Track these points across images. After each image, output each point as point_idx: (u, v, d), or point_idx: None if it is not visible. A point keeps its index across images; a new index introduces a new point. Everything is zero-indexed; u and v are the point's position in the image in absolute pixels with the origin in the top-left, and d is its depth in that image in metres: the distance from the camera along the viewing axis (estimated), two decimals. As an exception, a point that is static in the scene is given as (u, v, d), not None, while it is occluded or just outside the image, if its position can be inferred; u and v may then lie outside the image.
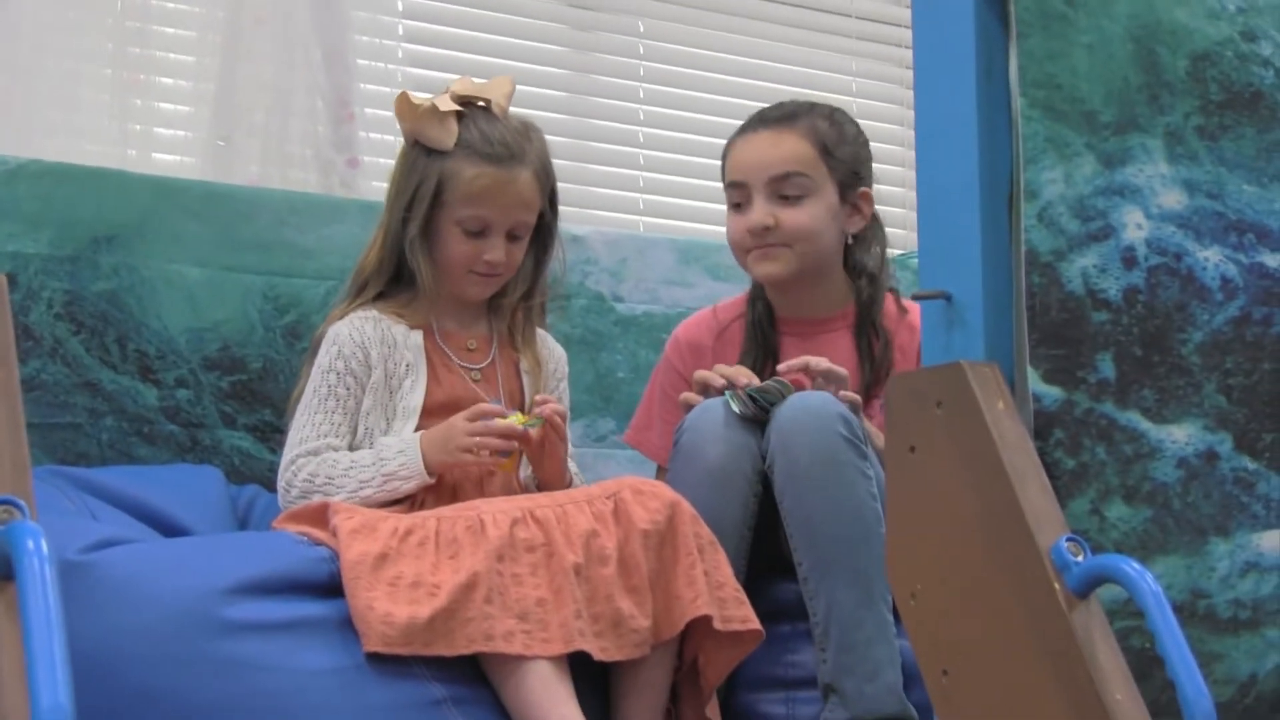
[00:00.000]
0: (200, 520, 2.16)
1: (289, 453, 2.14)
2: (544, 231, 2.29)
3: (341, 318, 2.22)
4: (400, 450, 2.08)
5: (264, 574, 1.79)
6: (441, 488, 2.11)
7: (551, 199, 2.28)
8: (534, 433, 2.10)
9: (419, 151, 2.21)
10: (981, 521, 1.42)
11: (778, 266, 2.37)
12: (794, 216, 2.34)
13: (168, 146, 3.01)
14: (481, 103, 2.22)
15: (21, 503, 1.16)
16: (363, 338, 2.18)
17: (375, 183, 2.45)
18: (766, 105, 2.45)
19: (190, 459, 2.41)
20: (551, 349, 2.35)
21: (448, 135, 2.18)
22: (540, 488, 2.16)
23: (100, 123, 2.95)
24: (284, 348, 2.48)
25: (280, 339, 2.49)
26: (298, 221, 2.56)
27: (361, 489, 2.06)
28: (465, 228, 2.19)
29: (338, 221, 2.58)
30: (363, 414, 2.16)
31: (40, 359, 2.32)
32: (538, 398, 2.14)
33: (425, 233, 2.21)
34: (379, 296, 2.25)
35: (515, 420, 2.08)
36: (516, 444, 2.11)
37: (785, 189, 2.35)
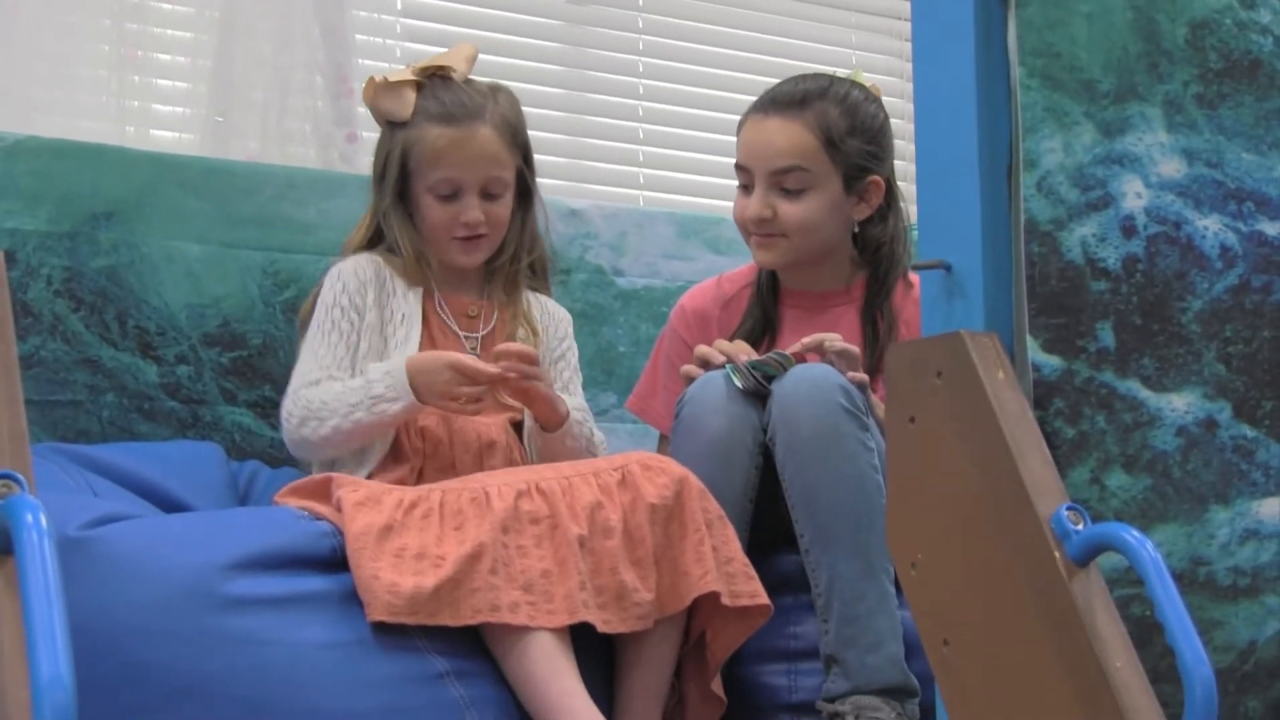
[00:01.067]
0: (201, 496, 2.17)
1: (293, 385, 2.17)
2: (525, 192, 2.31)
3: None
4: (387, 373, 2.10)
5: (265, 549, 1.79)
6: (443, 462, 2.12)
7: (526, 157, 2.30)
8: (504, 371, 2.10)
9: (387, 129, 2.27)
10: (982, 491, 1.42)
11: (774, 256, 2.38)
12: (792, 210, 2.34)
13: (166, 123, 3.00)
14: (442, 72, 2.25)
15: (20, 477, 1.16)
16: (365, 276, 2.23)
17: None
18: (767, 79, 2.43)
19: (191, 435, 2.41)
20: (552, 313, 2.36)
21: (404, 106, 2.23)
22: (543, 428, 2.17)
23: (98, 99, 2.94)
24: (284, 323, 2.48)
25: (280, 314, 2.49)
26: (297, 197, 2.56)
27: (353, 412, 2.09)
28: (437, 193, 2.23)
29: (337, 196, 2.58)
30: (359, 357, 2.18)
31: (40, 336, 2.32)
32: (499, 348, 2.12)
33: (405, 207, 2.26)
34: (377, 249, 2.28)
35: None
36: (487, 388, 2.11)
37: (786, 182, 2.34)
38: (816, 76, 2.41)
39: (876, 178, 2.36)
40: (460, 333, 2.23)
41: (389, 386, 2.08)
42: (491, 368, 2.07)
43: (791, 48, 3.79)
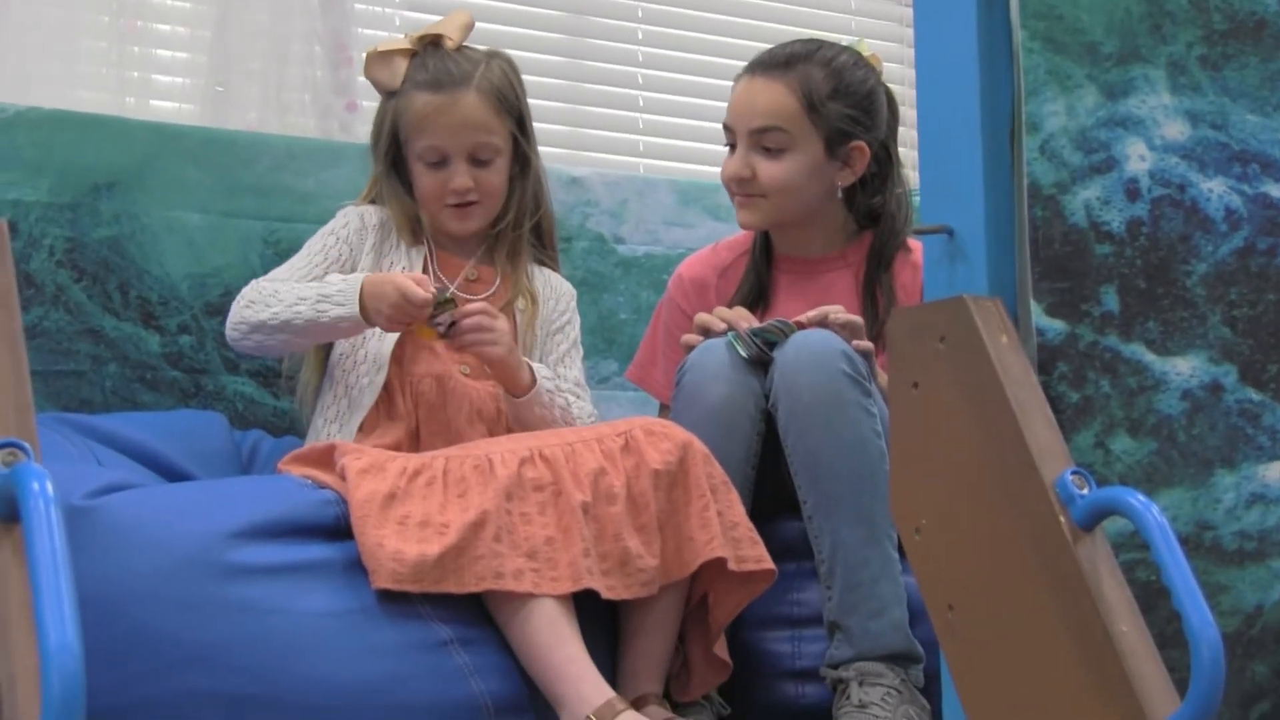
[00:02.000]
0: (204, 465, 2.17)
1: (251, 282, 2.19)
2: (523, 159, 2.31)
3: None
4: (343, 279, 2.12)
5: (268, 517, 1.79)
6: (438, 425, 2.14)
7: (521, 123, 2.30)
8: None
9: (383, 98, 2.29)
10: (986, 456, 1.41)
11: (754, 217, 2.38)
12: (770, 170, 2.34)
13: (166, 93, 2.99)
14: (435, 40, 2.26)
15: (27, 446, 1.16)
16: (370, 223, 2.27)
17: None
18: (766, 45, 2.43)
19: (194, 405, 2.42)
20: (555, 286, 2.36)
21: (393, 76, 2.26)
22: (508, 394, 2.16)
23: (98, 70, 2.93)
24: (284, 294, 2.47)
25: (281, 284, 2.48)
26: (297, 166, 2.56)
27: (297, 304, 2.09)
28: (425, 160, 2.25)
29: (337, 165, 2.58)
30: None
31: (42, 307, 2.32)
32: (466, 308, 2.11)
33: (401, 176, 2.28)
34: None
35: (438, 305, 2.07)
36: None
37: (765, 141, 2.34)
38: (808, 41, 2.41)
39: (860, 143, 2.35)
40: (462, 296, 2.23)
41: (339, 290, 2.09)
42: (426, 294, 2.06)
43: (791, 14, 3.77)
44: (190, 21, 3.01)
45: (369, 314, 2.07)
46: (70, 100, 2.72)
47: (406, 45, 2.26)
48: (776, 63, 2.35)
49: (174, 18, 3.03)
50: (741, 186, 2.36)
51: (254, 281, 2.19)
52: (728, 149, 2.40)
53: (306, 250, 2.26)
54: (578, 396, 2.26)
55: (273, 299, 2.12)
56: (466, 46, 2.28)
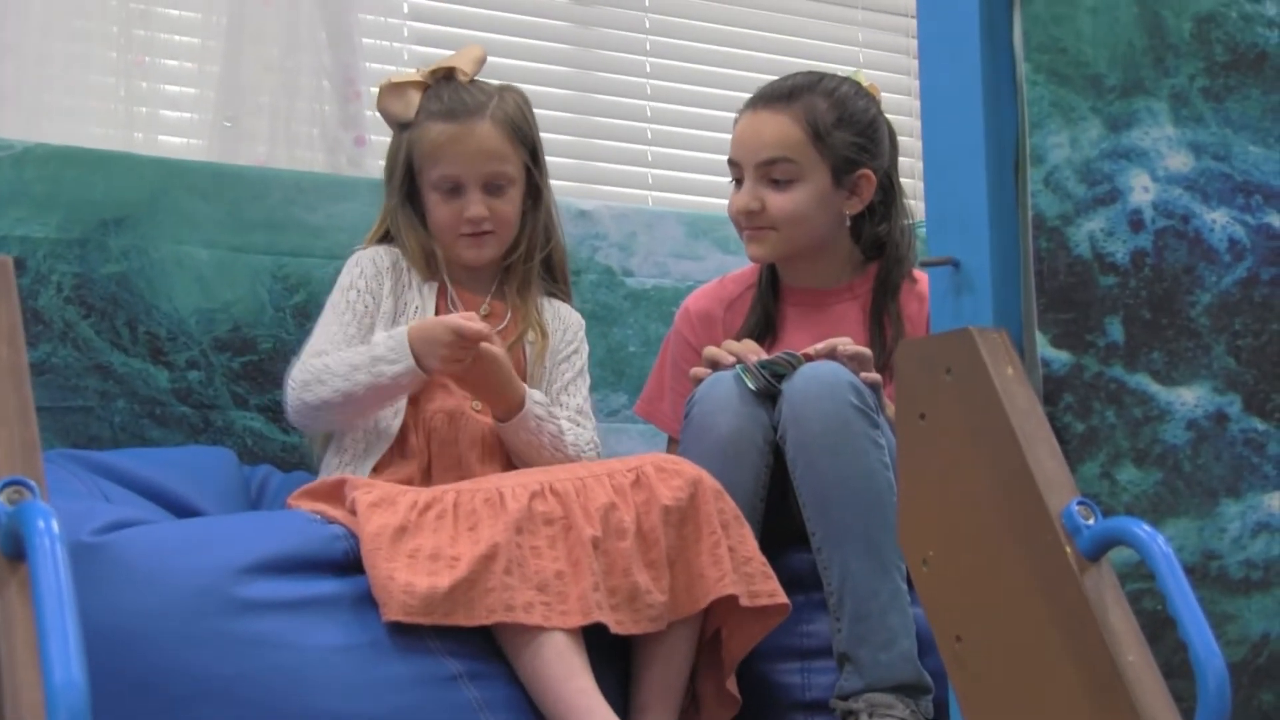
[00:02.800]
0: (213, 501, 2.17)
1: (301, 356, 2.18)
2: (534, 190, 2.32)
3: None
4: (389, 335, 2.11)
5: (278, 552, 1.80)
6: (450, 460, 2.14)
7: (533, 154, 2.31)
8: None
9: (396, 130, 2.31)
10: (992, 487, 1.41)
11: (764, 249, 2.38)
12: (780, 202, 2.34)
13: (174, 129, 3.01)
14: (448, 74, 2.29)
15: (32, 483, 1.16)
16: (382, 265, 2.26)
17: (383, 161, 2.48)
18: (774, 78, 2.44)
19: (203, 440, 2.42)
20: (563, 317, 2.37)
21: (407, 107, 2.28)
22: (495, 418, 2.17)
23: (106, 106, 2.95)
24: (294, 328, 2.49)
25: (290, 319, 2.50)
26: (306, 200, 2.57)
27: (353, 374, 2.09)
28: (440, 189, 2.26)
29: (346, 199, 2.59)
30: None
31: (51, 343, 2.33)
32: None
33: (415, 208, 2.29)
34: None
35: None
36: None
37: (773, 173, 2.34)
38: (809, 73, 2.43)
39: (867, 171, 2.36)
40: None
41: (390, 349, 2.09)
42: (479, 324, 2.08)
43: (799, 46, 3.79)
44: (198, 57, 3.02)
45: (423, 361, 2.07)
46: (78, 136, 2.74)
47: (419, 78, 2.28)
48: (779, 95, 2.37)
49: (182, 53, 3.04)
50: (750, 220, 2.36)
51: (298, 362, 2.17)
52: (733, 185, 2.41)
53: (332, 312, 2.24)
54: (576, 424, 2.25)
55: (325, 374, 2.12)
56: (479, 80, 2.29)
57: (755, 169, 2.36)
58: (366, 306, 2.22)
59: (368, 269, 2.26)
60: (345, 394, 2.10)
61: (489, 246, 2.29)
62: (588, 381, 2.36)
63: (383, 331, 2.18)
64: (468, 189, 2.25)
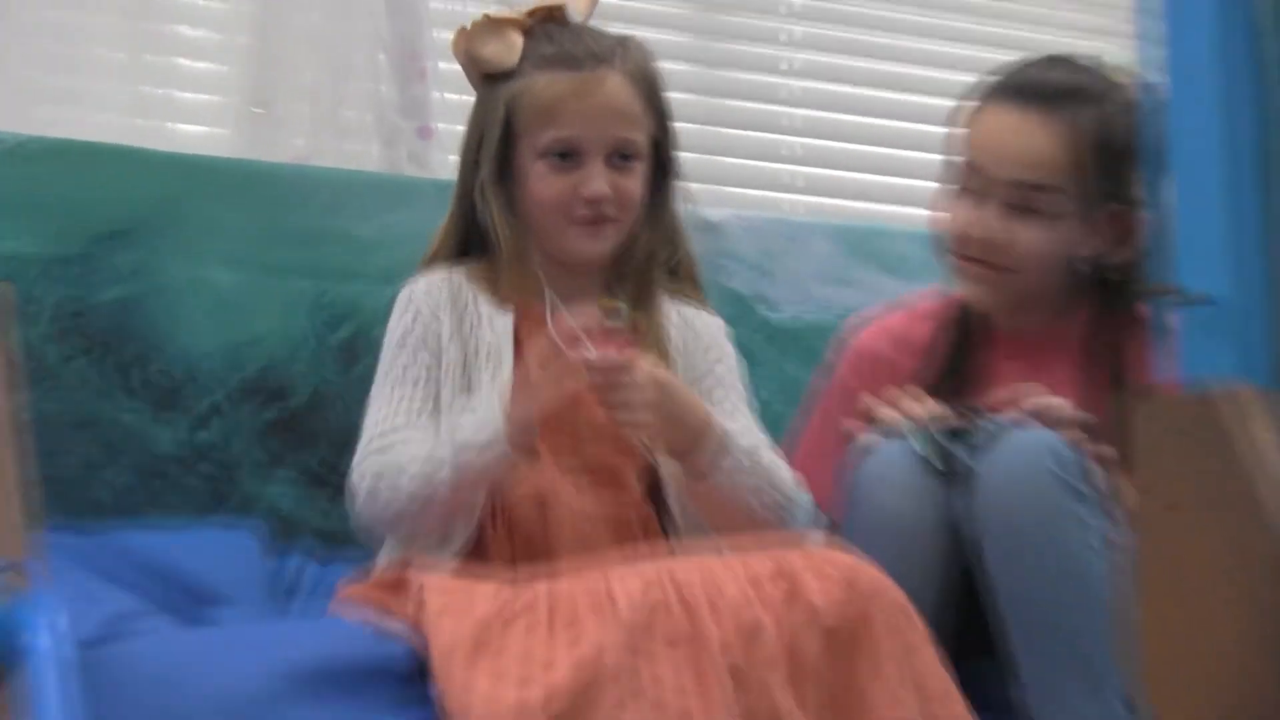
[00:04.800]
0: (232, 596, 2.19)
1: (360, 450, 2.13)
2: (663, 167, 2.27)
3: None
4: (472, 412, 2.07)
5: (325, 665, 1.78)
6: (537, 557, 2.09)
7: (664, 122, 2.26)
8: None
9: (484, 86, 2.24)
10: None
11: (991, 295, 2.34)
12: (1032, 239, 2.28)
13: (192, 115, 3.05)
14: (555, 15, 2.24)
15: (28, 568, 1.12)
16: (439, 299, 2.20)
17: (453, 157, 2.45)
18: (1026, 59, 2.38)
19: (221, 513, 2.41)
20: (691, 323, 2.30)
21: (508, 49, 2.21)
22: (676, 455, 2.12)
23: (110, 86, 2.98)
24: (339, 370, 2.49)
25: (334, 359, 2.50)
26: (356, 207, 2.59)
27: (435, 472, 2.04)
28: (550, 155, 2.18)
29: (406, 206, 2.60)
30: (442, 408, 2.14)
31: (39, 387, 2.31)
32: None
33: (504, 180, 2.22)
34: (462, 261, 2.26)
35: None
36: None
37: (1033, 201, 2.28)
38: (1085, 64, 2.36)
39: (1123, 209, 2.28)
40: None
41: (475, 429, 2.04)
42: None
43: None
44: (223, 26, 3.05)
45: (529, 423, 2.03)
46: (76, 123, 2.79)
47: (518, 17, 2.23)
48: (1052, 93, 2.30)
49: (203, 21, 3.09)
50: (985, 251, 2.30)
51: (362, 455, 2.12)
52: (958, 194, 2.34)
53: (389, 384, 2.18)
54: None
55: (398, 476, 2.07)
56: (592, 26, 2.25)
57: (1007, 188, 2.29)
58: (426, 368, 2.17)
59: (422, 311, 2.20)
60: (424, 499, 2.05)
61: (608, 236, 2.22)
62: (749, 397, 2.30)
63: (456, 395, 2.15)
64: (588, 158, 2.18)
